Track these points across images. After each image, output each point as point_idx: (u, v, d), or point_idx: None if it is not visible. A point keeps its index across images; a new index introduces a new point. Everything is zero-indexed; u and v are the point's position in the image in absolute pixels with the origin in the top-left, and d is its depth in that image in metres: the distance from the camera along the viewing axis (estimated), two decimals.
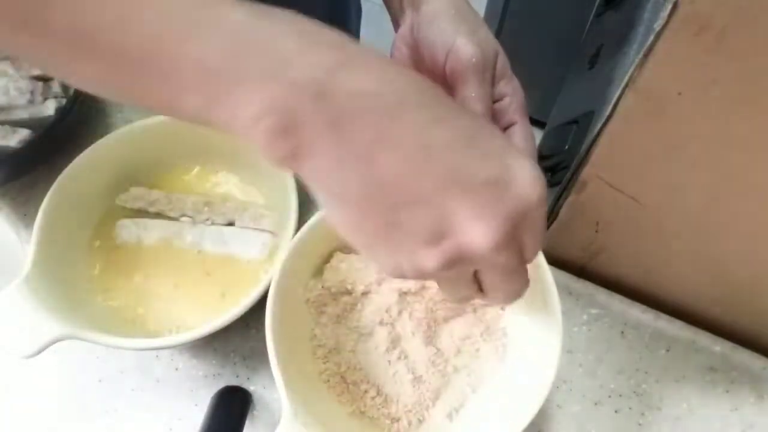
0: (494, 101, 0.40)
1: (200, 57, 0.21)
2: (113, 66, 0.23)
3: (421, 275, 0.24)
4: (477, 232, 0.22)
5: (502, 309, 0.42)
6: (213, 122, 0.23)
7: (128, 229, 0.46)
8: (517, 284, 0.26)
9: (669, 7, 0.28)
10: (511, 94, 0.40)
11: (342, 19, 0.62)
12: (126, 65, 0.22)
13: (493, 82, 0.39)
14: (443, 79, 0.40)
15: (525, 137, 0.40)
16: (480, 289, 0.27)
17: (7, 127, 0.49)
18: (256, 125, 0.21)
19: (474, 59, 0.38)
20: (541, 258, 0.37)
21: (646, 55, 0.31)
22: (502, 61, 0.40)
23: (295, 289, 0.40)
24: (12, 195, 0.51)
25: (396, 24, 0.44)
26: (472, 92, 0.38)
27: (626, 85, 0.33)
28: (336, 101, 0.21)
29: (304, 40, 0.22)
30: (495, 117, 0.40)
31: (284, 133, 0.21)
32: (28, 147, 0.48)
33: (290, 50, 0.22)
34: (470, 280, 0.26)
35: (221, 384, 0.43)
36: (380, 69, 0.23)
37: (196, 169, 0.51)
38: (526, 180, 0.23)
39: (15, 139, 0.49)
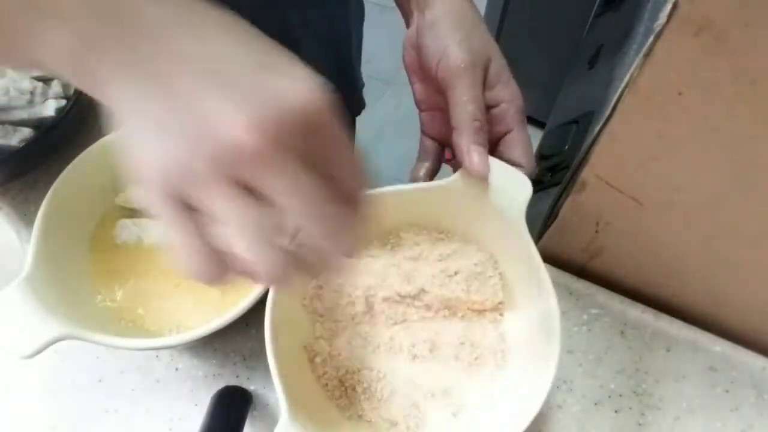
0: (491, 107, 0.40)
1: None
2: None
3: (174, 175, 0.20)
4: (231, 122, 0.19)
5: (501, 315, 0.42)
6: (20, 53, 0.22)
7: (128, 229, 0.46)
8: (335, 225, 0.22)
9: (669, 7, 0.28)
10: (508, 100, 0.40)
11: (343, 18, 0.62)
12: None
13: (485, 87, 0.39)
14: (437, 85, 0.40)
15: (522, 145, 0.40)
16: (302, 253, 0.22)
17: (8, 126, 0.49)
18: (59, 52, 0.21)
19: (462, 64, 0.38)
20: (538, 260, 0.37)
21: (646, 55, 0.31)
22: (497, 66, 0.40)
23: (293, 292, 0.40)
24: (12, 194, 0.51)
25: (408, 25, 0.45)
26: (463, 96, 0.38)
27: (626, 85, 0.33)
28: (135, 24, 0.21)
29: None
30: (492, 123, 0.40)
31: (84, 58, 0.21)
32: (29, 146, 0.48)
33: None
34: (273, 223, 0.21)
35: (221, 384, 0.43)
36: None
37: None
38: (291, 75, 0.21)
39: (16, 138, 0.49)
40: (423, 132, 0.45)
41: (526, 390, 0.36)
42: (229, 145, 0.19)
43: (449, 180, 0.40)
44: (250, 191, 0.20)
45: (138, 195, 0.21)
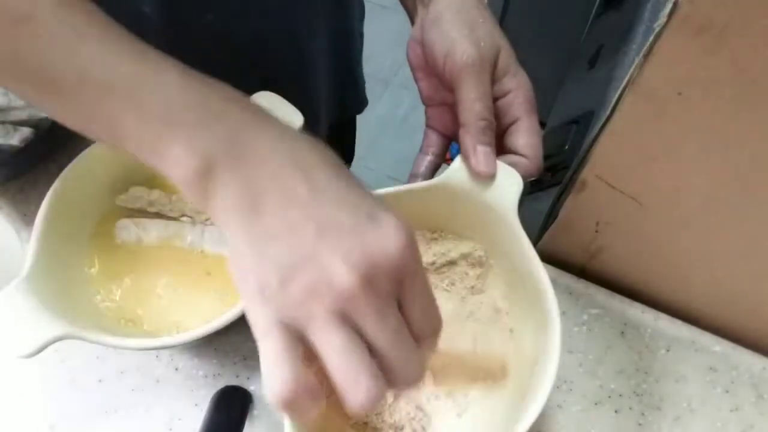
0: (498, 98, 0.40)
1: (141, 108, 0.26)
2: (71, 108, 0.28)
3: (286, 300, 0.24)
4: (337, 265, 0.24)
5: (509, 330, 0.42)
6: (147, 162, 0.26)
7: (128, 229, 0.46)
8: (403, 344, 0.25)
9: (669, 7, 0.28)
10: (516, 89, 0.39)
11: (346, 19, 0.62)
12: (81, 108, 0.27)
13: (493, 80, 0.39)
14: (445, 81, 0.40)
15: (529, 133, 0.39)
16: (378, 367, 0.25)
17: (8, 126, 0.49)
18: (178, 166, 0.25)
19: (470, 60, 0.37)
20: (532, 254, 0.37)
21: (646, 55, 0.31)
22: (505, 56, 0.39)
23: None
24: (12, 194, 0.51)
25: (413, 22, 0.44)
26: (471, 93, 0.37)
27: (626, 85, 0.33)
28: (246, 154, 0.26)
29: (229, 98, 0.27)
30: (498, 114, 0.40)
31: (201, 176, 0.25)
32: (29, 146, 0.48)
33: (218, 108, 0.26)
34: (360, 344, 0.25)
35: (221, 384, 0.43)
36: (281, 130, 0.27)
37: None
38: (389, 225, 0.25)
39: (17, 137, 0.49)
40: (429, 126, 0.44)
41: (529, 390, 0.36)
42: (336, 289, 0.24)
43: (438, 179, 0.39)
44: (348, 323, 0.24)
45: (250, 313, 0.25)
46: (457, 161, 0.39)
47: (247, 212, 0.25)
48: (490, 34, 0.39)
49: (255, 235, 0.25)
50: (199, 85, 0.27)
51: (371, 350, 0.25)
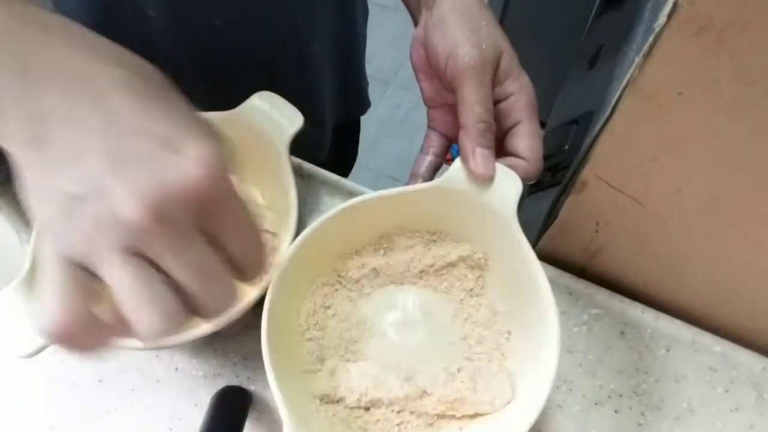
0: (499, 100, 0.40)
1: None
2: None
3: (72, 239, 0.23)
4: (124, 197, 0.22)
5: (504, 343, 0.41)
6: None
7: None
8: (207, 275, 0.24)
9: (669, 7, 0.28)
10: (518, 92, 0.39)
11: (349, 21, 0.62)
12: None
13: (494, 83, 0.39)
14: (447, 83, 0.40)
15: (529, 136, 0.39)
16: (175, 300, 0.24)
17: None
18: None
19: (472, 62, 0.37)
20: (531, 256, 0.37)
21: (646, 55, 0.31)
22: (508, 59, 0.39)
23: (290, 306, 0.40)
24: (12, 194, 0.51)
25: (416, 24, 0.44)
26: (472, 96, 0.38)
27: (626, 85, 0.33)
28: (26, 70, 0.23)
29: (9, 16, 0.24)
30: (500, 117, 0.40)
31: None
32: None
33: None
34: (150, 279, 0.23)
35: (221, 384, 0.43)
36: (81, 47, 0.24)
37: None
38: (190, 154, 0.23)
39: None
40: (430, 127, 0.45)
41: (526, 394, 0.36)
42: (122, 223, 0.22)
43: (438, 181, 0.39)
44: (141, 258, 0.23)
45: (39, 247, 0.24)
46: (457, 163, 0.39)
47: (32, 142, 0.23)
48: (492, 36, 0.39)
49: (41, 166, 0.23)
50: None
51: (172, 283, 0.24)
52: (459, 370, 0.39)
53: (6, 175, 0.51)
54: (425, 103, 0.44)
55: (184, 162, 0.23)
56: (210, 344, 0.45)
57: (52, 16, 0.25)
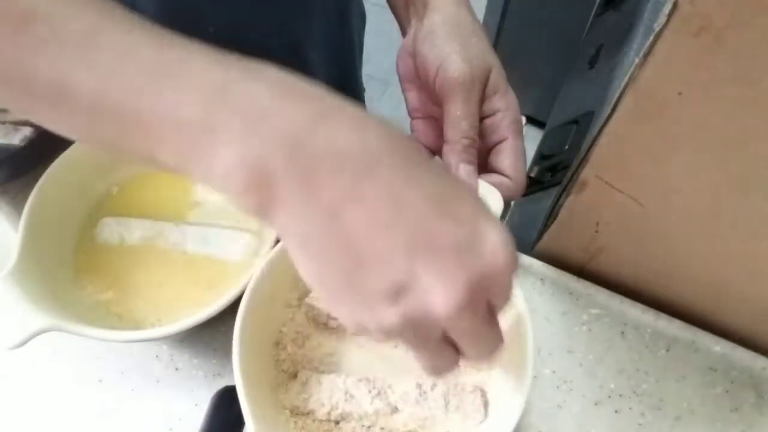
0: (486, 117, 0.40)
1: (176, 111, 0.22)
2: (93, 120, 0.24)
3: (383, 332, 0.24)
4: (439, 294, 0.22)
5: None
6: (190, 174, 0.23)
7: (111, 228, 0.47)
8: (488, 343, 0.26)
9: (669, 7, 0.28)
10: (504, 109, 0.39)
11: (346, 28, 0.62)
12: (105, 119, 0.23)
13: (482, 99, 0.39)
14: (434, 95, 0.40)
15: (514, 154, 0.39)
16: (456, 351, 0.26)
17: (8, 125, 0.49)
18: (229, 179, 0.22)
19: (461, 77, 0.37)
20: (518, 294, 0.37)
21: (646, 55, 0.31)
22: (496, 76, 0.40)
23: (265, 316, 0.39)
24: (12, 194, 0.51)
25: (404, 33, 0.44)
26: (458, 111, 0.38)
27: (626, 85, 0.33)
28: (308, 158, 0.22)
29: (278, 94, 0.23)
30: (485, 132, 0.40)
31: (255, 187, 0.22)
32: (30, 146, 0.49)
33: (264, 105, 0.22)
34: (441, 342, 0.25)
35: (221, 384, 0.43)
36: (355, 126, 0.23)
37: None
38: (493, 246, 0.23)
39: (18, 137, 0.49)
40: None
41: (499, 414, 0.36)
42: (437, 317, 0.23)
43: None
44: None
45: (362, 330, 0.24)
46: None
47: (320, 237, 0.22)
48: (482, 51, 0.39)
49: (335, 264, 0.23)
50: (242, 75, 0.23)
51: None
52: (432, 387, 0.38)
53: (6, 175, 0.51)
54: (409, 114, 0.44)
55: (494, 248, 0.23)
56: (210, 344, 0.45)
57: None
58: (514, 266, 0.24)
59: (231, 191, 0.22)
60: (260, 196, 0.22)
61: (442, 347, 0.25)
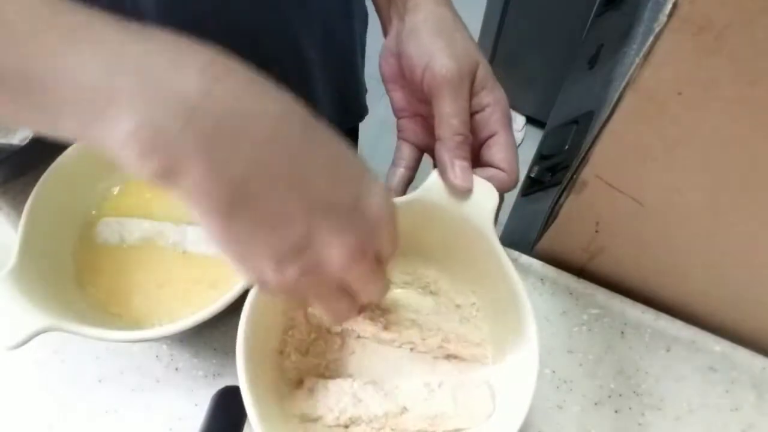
0: (475, 112, 0.40)
1: (74, 75, 0.22)
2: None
3: (283, 284, 0.26)
4: (335, 248, 0.25)
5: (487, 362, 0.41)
6: (90, 141, 0.23)
7: (111, 228, 0.47)
8: (378, 286, 0.30)
9: (669, 7, 0.28)
10: (493, 104, 0.39)
11: (347, 29, 0.62)
12: (6, 89, 0.23)
13: (471, 95, 0.39)
14: (421, 94, 0.40)
15: (506, 147, 0.39)
16: (351, 298, 0.30)
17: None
18: (126, 143, 0.22)
19: (449, 74, 0.37)
20: (510, 270, 0.37)
21: (646, 55, 0.31)
22: (483, 71, 0.39)
23: (268, 323, 0.39)
24: (13, 194, 0.51)
25: (386, 32, 0.44)
26: (449, 108, 0.38)
27: (626, 85, 0.33)
28: (206, 121, 0.22)
29: (175, 59, 0.23)
30: (475, 128, 0.40)
31: (153, 153, 0.22)
32: (30, 146, 0.49)
33: (162, 68, 0.22)
34: (337, 290, 0.29)
35: (221, 384, 0.43)
36: (253, 90, 0.24)
37: None
38: (377, 203, 0.27)
39: (17, 137, 0.49)
40: (401, 137, 0.44)
41: (508, 407, 0.36)
42: (333, 269, 0.26)
43: (414, 195, 0.39)
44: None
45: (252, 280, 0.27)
46: (433, 176, 0.38)
47: (224, 201, 0.23)
48: (468, 48, 0.39)
49: (239, 226, 0.24)
50: (140, 38, 0.23)
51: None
52: (440, 384, 0.38)
53: (6, 175, 0.51)
54: (395, 114, 0.44)
55: (375, 209, 0.27)
56: (210, 344, 0.45)
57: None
58: (394, 218, 0.28)
59: (129, 157, 0.22)
60: (159, 162, 0.22)
61: (339, 295, 0.29)
